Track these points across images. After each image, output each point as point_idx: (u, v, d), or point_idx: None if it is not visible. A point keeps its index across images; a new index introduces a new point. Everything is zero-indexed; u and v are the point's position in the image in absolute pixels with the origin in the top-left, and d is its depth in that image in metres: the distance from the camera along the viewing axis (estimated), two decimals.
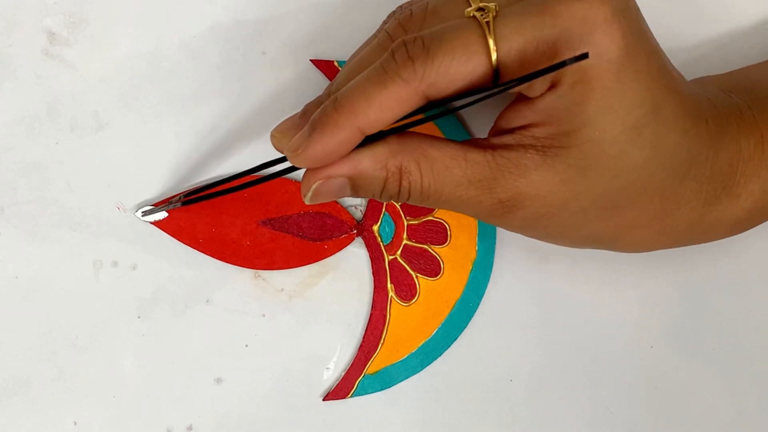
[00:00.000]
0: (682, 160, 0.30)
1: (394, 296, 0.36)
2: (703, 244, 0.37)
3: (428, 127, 0.36)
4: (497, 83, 0.28)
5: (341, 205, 0.37)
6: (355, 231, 0.36)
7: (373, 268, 0.37)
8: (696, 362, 0.38)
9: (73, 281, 0.36)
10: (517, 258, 0.37)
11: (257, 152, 0.36)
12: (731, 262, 0.38)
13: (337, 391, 0.36)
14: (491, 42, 0.27)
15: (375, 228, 0.37)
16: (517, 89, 0.28)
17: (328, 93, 0.30)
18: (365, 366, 0.36)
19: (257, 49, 0.37)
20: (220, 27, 0.37)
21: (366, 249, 0.37)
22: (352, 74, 0.29)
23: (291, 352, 0.36)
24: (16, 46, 0.36)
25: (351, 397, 0.36)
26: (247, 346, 0.36)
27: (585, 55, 0.26)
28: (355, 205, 0.37)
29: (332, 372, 0.37)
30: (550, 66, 0.26)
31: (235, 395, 0.36)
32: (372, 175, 0.29)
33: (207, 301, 0.36)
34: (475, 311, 0.37)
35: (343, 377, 0.36)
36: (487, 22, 0.27)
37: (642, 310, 0.37)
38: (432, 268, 0.37)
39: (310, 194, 0.30)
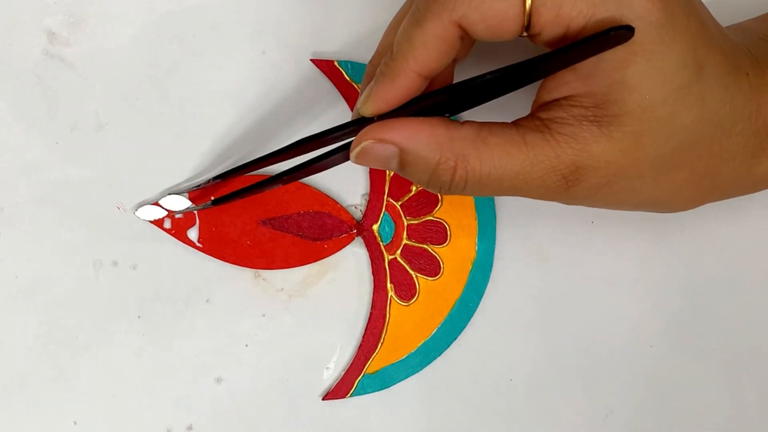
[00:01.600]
0: (727, 116, 0.30)
1: (393, 296, 0.36)
2: (702, 243, 0.37)
3: None
4: (528, 31, 0.28)
5: (341, 205, 0.37)
6: (355, 231, 0.36)
7: (372, 268, 0.37)
8: (696, 362, 0.38)
9: (73, 281, 0.36)
10: (517, 258, 0.37)
11: (257, 152, 0.36)
12: (731, 262, 0.38)
13: (337, 391, 0.36)
14: None
15: (375, 228, 0.37)
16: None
17: (375, 58, 0.32)
18: (365, 365, 0.36)
19: (257, 49, 0.37)
20: (220, 27, 0.37)
21: (366, 249, 0.37)
22: (396, 26, 0.31)
23: (291, 352, 0.36)
24: (16, 46, 0.36)
25: (350, 396, 0.36)
26: (247, 346, 0.36)
27: (629, 28, 0.26)
28: (355, 204, 0.37)
29: (332, 371, 0.37)
30: (595, 34, 0.26)
31: (235, 395, 0.36)
32: (425, 154, 0.29)
33: (207, 301, 0.36)
34: (474, 311, 0.37)
35: (342, 377, 0.36)
36: None
37: (642, 310, 0.37)
38: (432, 268, 0.37)
39: (358, 150, 0.29)
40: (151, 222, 0.36)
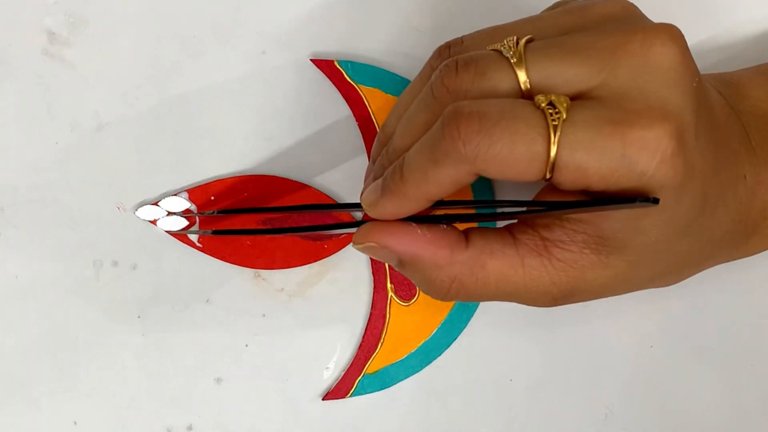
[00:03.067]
0: (721, 229, 0.31)
1: (393, 296, 0.36)
2: None
3: None
4: (547, 181, 0.27)
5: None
6: (355, 230, 0.36)
7: (372, 268, 0.37)
8: (696, 362, 0.37)
9: (73, 281, 0.36)
10: None
11: (257, 152, 0.36)
12: (732, 261, 0.38)
13: (337, 391, 0.36)
14: (554, 150, 0.26)
15: None
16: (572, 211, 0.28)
17: (383, 138, 0.32)
18: (365, 365, 0.36)
19: (257, 49, 0.37)
20: (220, 27, 0.37)
21: None
22: (402, 127, 0.30)
23: (291, 352, 0.36)
24: (16, 46, 0.36)
25: (350, 396, 0.36)
26: (247, 346, 0.36)
27: (656, 200, 0.26)
28: None
29: (332, 371, 0.36)
30: (618, 199, 0.26)
31: (235, 395, 0.36)
32: (423, 271, 0.30)
33: (207, 301, 0.36)
34: (474, 311, 0.37)
35: (342, 377, 0.36)
36: (555, 126, 0.26)
37: (642, 310, 0.37)
38: None
39: (360, 247, 0.30)
40: (151, 222, 0.36)
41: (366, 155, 0.37)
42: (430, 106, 0.29)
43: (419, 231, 0.29)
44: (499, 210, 0.29)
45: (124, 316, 0.36)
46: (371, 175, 0.32)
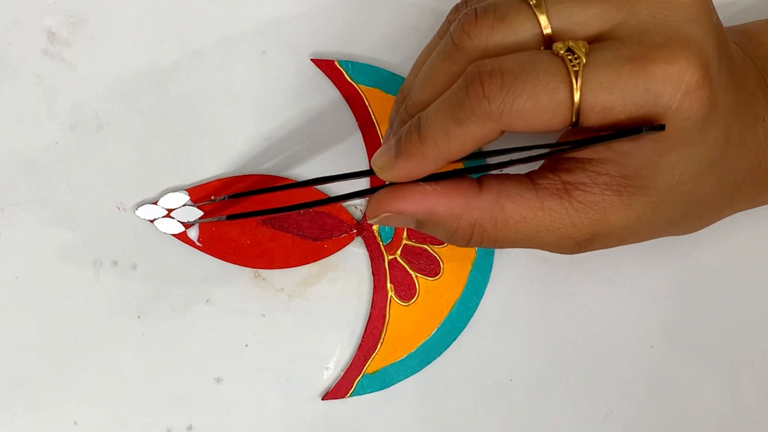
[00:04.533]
0: (742, 173, 0.31)
1: (393, 296, 0.37)
2: (702, 243, 0.37)
3: None
4: (574, 125, 0.27)
5: (341, 205, 0.37)
6: (354, 230, 0.36)
7: (372, 268, 0.37)
8: (696, 362, 0.37)
9: (73, 281, 0.36)
10: (517, 258, 0.37)
11: (257, 152, 0.36)
12: (731, 261, 0.38)
13: (337, 391, 0.36)
14: (577, 96, 0.26)
15: (375, 227, 0.37)
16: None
17: (402, 99, 0.31)
18: (364, 365, 0.36)
19: (257, 49, 0.37)
20: (220, 27, 0.37)
21: (366, 249, 0.37)
22: (421, 79, 0.30)
23: (291, 352, 0.36)
24: (16, 46, 0.36)
25: (350, 396, 0.36)
26: (247, 345, 0.36)
27: (662, 127, 0.26)
28: (355, 204, 0.37)
29: (332, 371, 0.37)
30: (625, 130, 0.26)
31: (235, 395, 0.36)
32: (442, 225, 0.29)
33: (207, 300, 0.36)
34: (474, 311, 0.37)
35: (342, 377, 0.36)
36: (576, 71, 0.26)
37: (642, 310, 0.37)
38: (431, 268, 0.37)
39: (377, 220, 0.30)
40: (151, 222, 0.36)
41: (366, 155, 0.37)
42: (450, 54, 0.28)
43: (429, 187, 0.29)
44: (506, 160, 0.29)
45: (124, 316, 0.36)
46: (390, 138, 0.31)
